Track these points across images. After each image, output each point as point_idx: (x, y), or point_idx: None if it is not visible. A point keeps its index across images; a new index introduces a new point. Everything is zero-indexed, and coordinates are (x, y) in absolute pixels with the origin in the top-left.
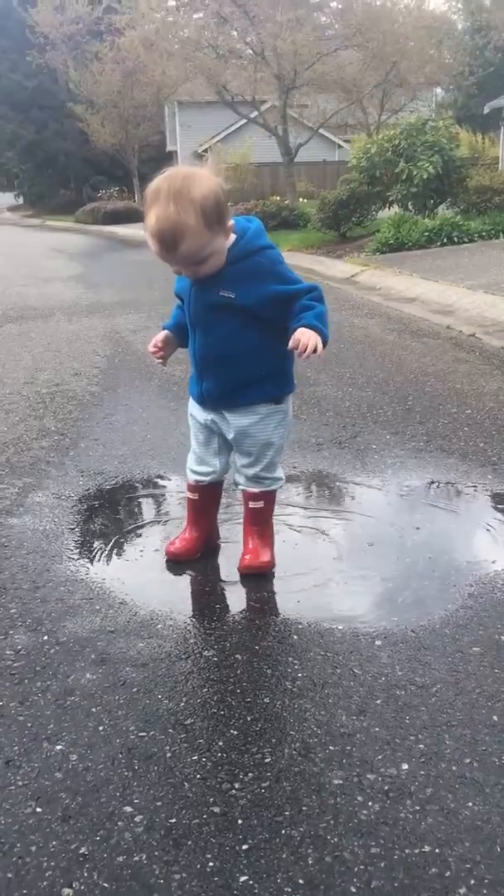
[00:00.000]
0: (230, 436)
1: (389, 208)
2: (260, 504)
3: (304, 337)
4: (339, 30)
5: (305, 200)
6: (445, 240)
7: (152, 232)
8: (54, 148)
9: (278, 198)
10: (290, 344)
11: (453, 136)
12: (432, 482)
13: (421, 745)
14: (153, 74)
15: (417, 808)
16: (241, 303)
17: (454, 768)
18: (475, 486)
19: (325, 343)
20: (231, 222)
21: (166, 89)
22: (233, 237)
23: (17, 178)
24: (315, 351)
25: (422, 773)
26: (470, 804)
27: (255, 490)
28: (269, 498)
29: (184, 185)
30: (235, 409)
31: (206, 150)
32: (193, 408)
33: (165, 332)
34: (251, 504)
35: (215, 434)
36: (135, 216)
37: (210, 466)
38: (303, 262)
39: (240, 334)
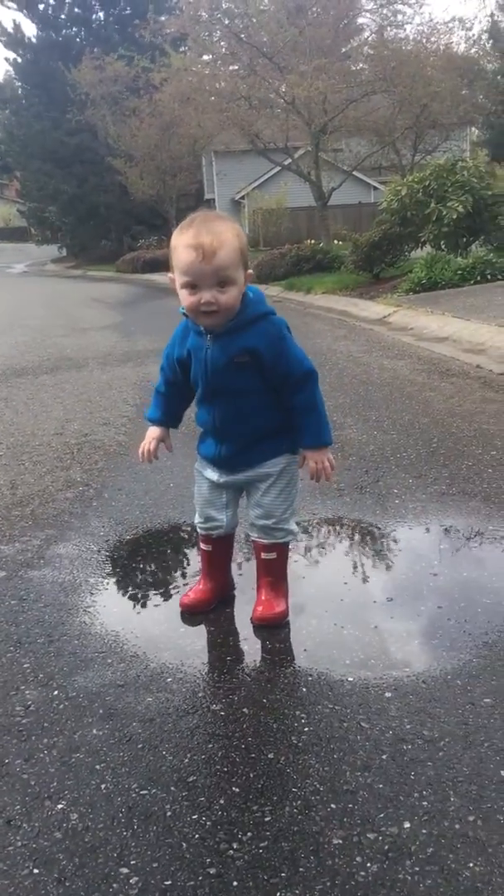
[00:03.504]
0: (244, 491)
1: (422, 248)
2: (273, 556)
3: (317, 465)
4: (367, 76)
5: (340, 243)
6: (479, 277)
7: (192, 243)
8: (95, 201)
9: (313, 241)
10: (309, 475)
11: (485, 175)
12: (452, 527)
13: (425, 803)
14: (189, 127)
15: (417, 868)
16: (261, 360)
17: (457, 826)
18: (497, 531)
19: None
20: (250, 271)
21: (202, 140)
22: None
23: (60, 231)
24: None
25: (423, 831)
26: (471, 864)
27: (267, 542)
28: (281, 550)
29: (220, 216)
30: (252, 467)
31: (242, 197)
32: (204, 467)
33: (157, 430)
34: (264, 555)
35: (223, 489)
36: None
37: (217, 521)
38: (337, 304)
39: (258, 392)
